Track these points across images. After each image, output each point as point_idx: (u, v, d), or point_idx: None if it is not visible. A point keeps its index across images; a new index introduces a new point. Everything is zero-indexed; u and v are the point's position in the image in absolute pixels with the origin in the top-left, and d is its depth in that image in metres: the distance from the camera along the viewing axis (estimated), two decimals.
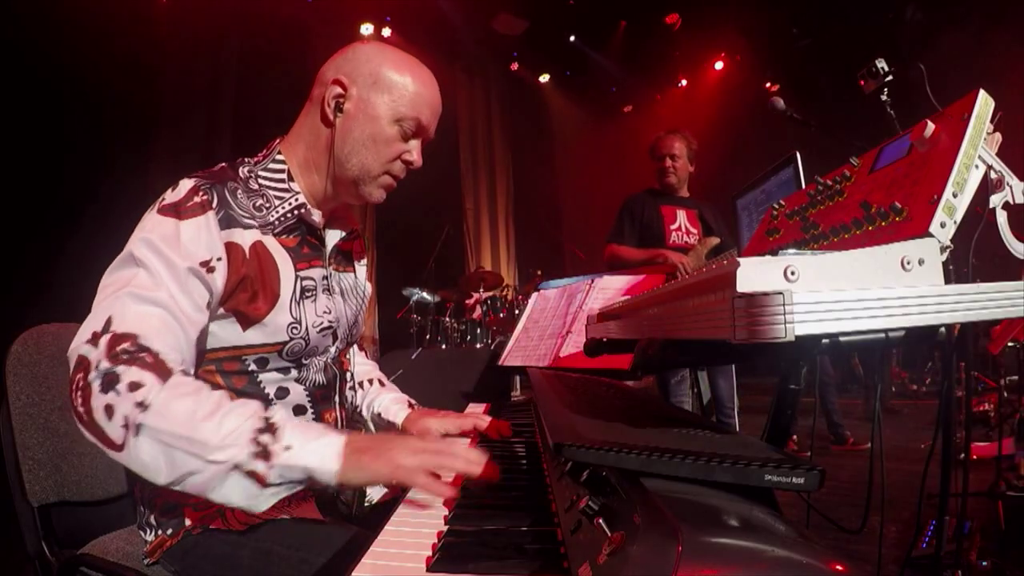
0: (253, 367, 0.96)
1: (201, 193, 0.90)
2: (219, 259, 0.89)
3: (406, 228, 6.05)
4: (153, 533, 0.96)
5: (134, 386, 0.74)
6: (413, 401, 1.30)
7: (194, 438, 0.73)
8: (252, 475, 0.75)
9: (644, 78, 8.14)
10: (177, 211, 0.88)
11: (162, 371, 0.77)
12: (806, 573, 0.36)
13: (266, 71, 5.68)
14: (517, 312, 4.79)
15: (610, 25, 7.44)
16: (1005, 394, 3.58)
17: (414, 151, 1.03)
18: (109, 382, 0.74)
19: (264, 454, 0.75)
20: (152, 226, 0.87)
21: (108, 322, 0.79)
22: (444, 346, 4.98)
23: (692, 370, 1.54)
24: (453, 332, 5.04)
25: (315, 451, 0.76)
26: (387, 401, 1.26)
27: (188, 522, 0.94)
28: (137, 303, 0.81)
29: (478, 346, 4.85)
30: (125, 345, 0.77)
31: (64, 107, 4.28)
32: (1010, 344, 2.69)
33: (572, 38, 7.61)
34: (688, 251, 2.97)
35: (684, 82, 8.15)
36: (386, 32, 6.40)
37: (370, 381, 1.32)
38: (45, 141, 4.19)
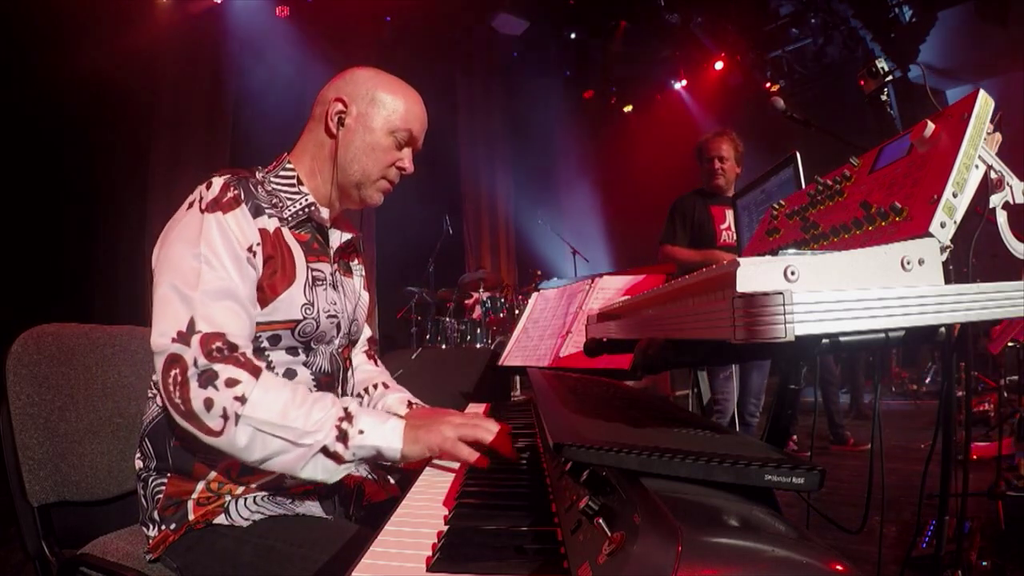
0: (265, 343, 1.02)
1: (232, 188, 1.00)
2: (258, 244, 1.00)
3: (406, 228, 6.05)
4: (156, 528, 0.96)
5: (231, 382, 0.87)
6: (414, 400, 1.31)
7: (288, 426, 0.88)
8: (333, 455, 0.90)
9: (644, 78, 8.14)
10: (221, 206, 0.98)
11: (253, 368, 0.90)
12: (806, 573, 0.36)
13: (266, 71, 5.68)
14: (517, 312, 4.79)
15: (610, 25, 7.43)
16: (1005, 394, 3.58)
17: (406, 159, 1.16)
18: (208, 378, 0.87)
19: (343, 437, 0.91)
20: (208, 226, 0.96)
21: (192, 323, 0.89)
22: (444, 346, 4.98)
23: (692, 370, 1.54)
24: (453, 332, 5.04)
25: (383, 433, 0.93)
26: (392, 401, 1.29)
27: (191, 517, 0.95)
28: (213, 300, 0.91)
29: (478, 346, 4.85)
30: (218, 344, 0.89)
31: (63, 110, 4.27)
32: (1010, 344, 2.69)
33: (572, 36, 7.60)
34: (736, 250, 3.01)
35: (684, 82, 8.14)
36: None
37: (374, 386, 1.34)
38: (44, 144, 4.18)
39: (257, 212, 1.02)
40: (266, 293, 1.00)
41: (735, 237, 3.08)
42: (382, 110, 1.11)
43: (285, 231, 1.06)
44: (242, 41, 5.63)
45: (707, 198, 3.19)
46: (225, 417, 0.86)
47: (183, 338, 0.88)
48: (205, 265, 0.93)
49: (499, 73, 7.84)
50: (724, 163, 3.12)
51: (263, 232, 1.01)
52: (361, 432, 0.92)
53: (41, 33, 4.15)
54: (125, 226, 4.68)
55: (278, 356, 1.04)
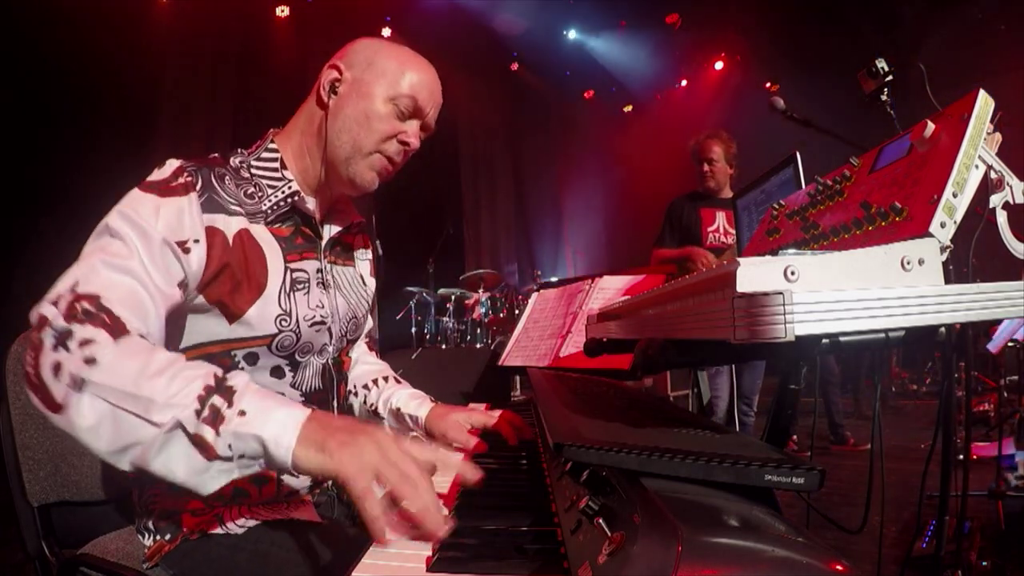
0: (243, 364, 0.94)
1: (186, 175, 0.89)
2: (196, 241, 0.87)
3: (406, 227, 6.06)
4: (151, 538, 0.95)
5: (85, 343, 0.69)
6: (434, 399, 1.24)
7: (139, 395, 0.66)
8: (198, 441, 0.66)
9: (644, 78, 8.15)
10: (159, 189, 0.87)
11: (117, 330, 0.72)
12: (806, 573, 0.36)
13: (266, 72, 5.69)
14: (517, 312, 4.79)
15: (610, 25, 7.44)
16: (1005, 394, 3.58)
17: (411, 132, 1.01)
18: (61, 339, 0.69)
19: (213, 418, 0.66)
20: (131, 201, 0.85)
21: (74, 285, 0.75)
22: (444, 346, 4.98)
23: (692, 370, 1.54)
24: (453, 332, 5.05)
25: (274, 420, 0.67)
26: (405, 396, 1.22)
27: (186, 528, 0.93)
28: (107, 269, 0.78)
29: (478, 346, 4.86)
30: (85, 304, 0.72)
31: (64, 108, 4.28)
32: (1010, 344, 2.70)
33: (572, 36, 7.61)
34: (724, 251, 3.08)
35: (684, 82, 8.15)
36: (386, 32, 6.40)
37: (384, 379, 1.28)
38: (44, 142, 4.18)
39: (212, 208, 0.90)
40: (230, 308, 0.90)
41: (722, 239, 3.13)
42: (382, 76, 0.98)
43: (258, 228, 0.94)
44: (242, 41, 5.64)
45: (698, 200, 3.25)
46: (71, 385, 0.67)
47: (58, 299, 0.73)
48: (117, 240, 0.81)
49: (499, 73, 7.84)
50: (713, 165, 3.17)
51: (213, 232, 0.89)
52: (242, 414, 0.67)
53: (41, 33, 4.15)
54: None
55: (261, 378, 0.95)
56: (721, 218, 3.16)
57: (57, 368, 0.68)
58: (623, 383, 1.26)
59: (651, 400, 1.06)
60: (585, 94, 8.49)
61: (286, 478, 0.98)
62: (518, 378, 3.35)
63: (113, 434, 0.67)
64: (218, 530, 0.93)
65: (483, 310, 5.05)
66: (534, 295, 1.93)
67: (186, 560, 0.93)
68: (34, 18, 4.13)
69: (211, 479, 0.67)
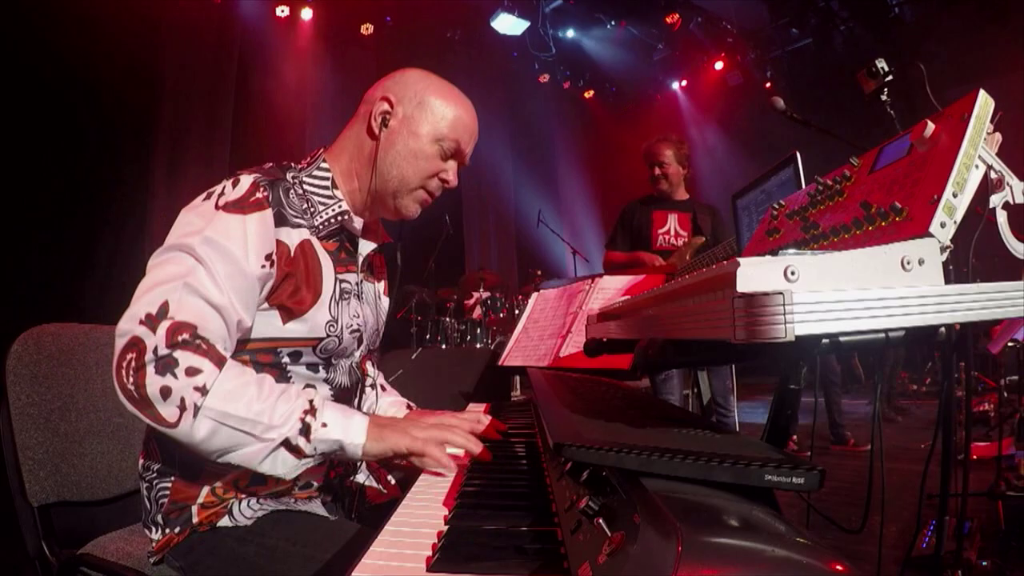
0: (286, 359, 1.01)
1: (261, 189, 0.96)
2: (269, 255, 0.95)
3: (406, 228, 6.05)
4: (160, 531, 0.96)
5: (192, 371, 0.83)
6: (411, 404, 1.32)
7: (253, 419, 0.85)
8: (294, 449, 0.87)
9: (644, 78, 8.14)
10: (242, 208, 0.93)
11: (217, 358, 0.86)
12: (806, 573, 0.36)
13: (266, 73, 5.69)
14: (517, 312, 4.79)
15: (611, 25, 7.44)
16: (1005, 394, 3.59)
17: (451, 171, 1.12)
18: (166, 365, 0.82)
19: (306, 431, 0.88)
20: (215, 224, 0.91)
21: (164, 307, 0.84)
22: (444, 346, 4.98)
23: (692, 370, 1.54)
24: (453, 332, 5.04)
25: (346, 427, 0.91)
26: (385, 404, 1.30)
27: (196, 519, 0.95)
28: (196, 297, 0.86)
29: (478, 346, 4.85)
30: (184, 335, 0.84)
31: (64, 108, 4.27)
32: (1010, 344, 2.70)
33: (570, 35, 7.61)
34: (672, 253, 3.11)
35: (684, 82, 8.15)
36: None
37: (371, 386, 1.33)
38: (44, 141, 4.18)
39: (280, 221, 0.97)
40: (291, 311, 0.98)
41: (672, 241, 3.19)
42: (430, 115, 1.07)
43: (314, 242, 1.02)
44: (242, 41, 5.64)
45: (651, 203, 3.29)
46: (183, 408, 0.82)
47: (151, 321, 0.83)
48: (201, 265, 0.88)
49: (499, 73, 7.83)
50: (664, 168, 3.22)
51: (281, 245, 0.97)
52: (324, 425, 0.89)
53: (42, 33, 4.15)
54: (126, 225, 4.68)
55: (298, 371, 1.02)
56: (673, 220, 3.21)
57: (166, 392, 0.81)
58: (623, 383, 1.26)
59: (651, 400, 1.06)
60: (585, 94, 8.49)
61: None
62: (518, 378, 3.34)
63: (222, 444, 0.85)
64: (226, 521, 0.95)
65: (483, 310, 5.04)
66: (534, 295, 1.93)
67: (193, 552, 0.95)
68: (33, 17, 4.13)
69: (297, 469, 0.90)
